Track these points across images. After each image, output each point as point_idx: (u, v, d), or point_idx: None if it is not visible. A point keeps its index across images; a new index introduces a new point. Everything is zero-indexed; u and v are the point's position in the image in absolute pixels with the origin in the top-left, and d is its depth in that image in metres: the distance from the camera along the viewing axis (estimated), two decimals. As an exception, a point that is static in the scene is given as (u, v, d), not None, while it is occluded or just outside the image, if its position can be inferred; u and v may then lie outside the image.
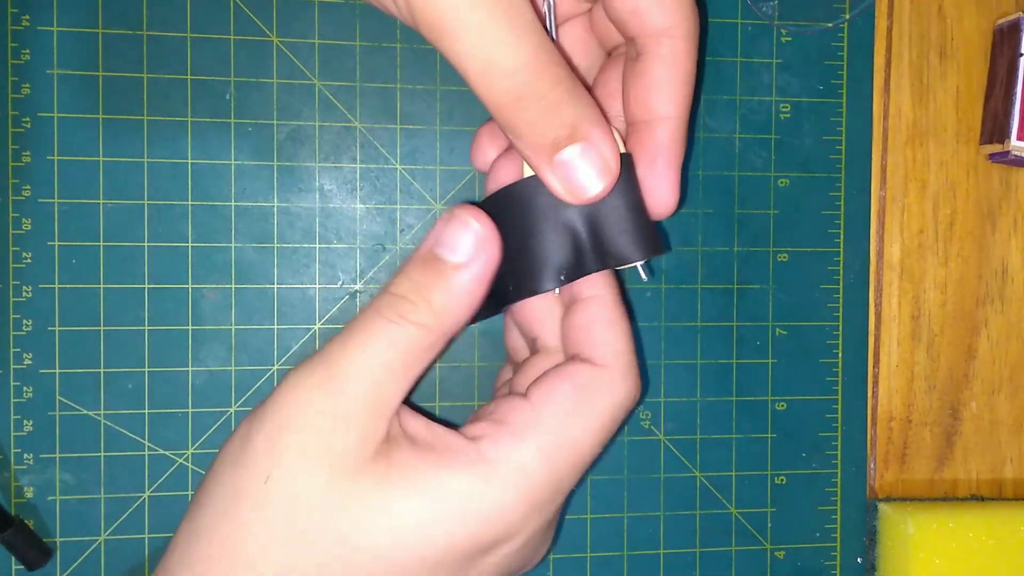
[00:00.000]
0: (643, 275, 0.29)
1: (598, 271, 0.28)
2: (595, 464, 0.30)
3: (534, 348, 0.31)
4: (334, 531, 0.25)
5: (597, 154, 0.26)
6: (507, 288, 0.28)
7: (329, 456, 0.25)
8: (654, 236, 0.29)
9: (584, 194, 0.26)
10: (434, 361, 0.28)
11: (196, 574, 0.25)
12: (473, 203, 0.28)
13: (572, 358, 0.29)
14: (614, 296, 0.29)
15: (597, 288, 0.29)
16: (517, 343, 0.33)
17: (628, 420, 0.37)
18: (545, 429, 0.27)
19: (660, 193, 0.29)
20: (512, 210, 0.28)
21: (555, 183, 0.26)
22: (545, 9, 0.29)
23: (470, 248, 0.26)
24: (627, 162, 0.28)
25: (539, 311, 0.30)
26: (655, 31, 0.27)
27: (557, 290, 0.28)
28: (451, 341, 0.28)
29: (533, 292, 0.28)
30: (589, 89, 0.31)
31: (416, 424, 0.27)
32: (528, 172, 0.28)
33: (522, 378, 0.30)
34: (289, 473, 0.25)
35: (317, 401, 0.26)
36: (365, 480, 0.25)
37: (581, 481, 0.29)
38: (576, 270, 0.28)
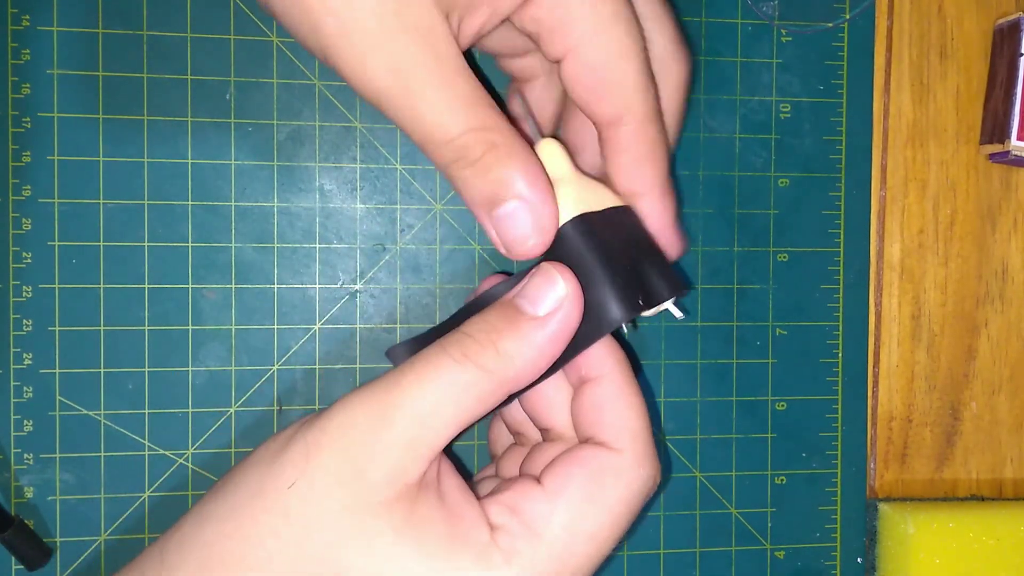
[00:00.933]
0: (677, 314, 0.29)
1: (644, 309, 0.28)
2: (613, 555, 0.30)
3: (547, 438, 0.30)
4: (336, 560, 0.25)
5: (529, 210, 0.26)
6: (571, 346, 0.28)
7: (355, 482, 0.25)
8: (676, 275, 0.29)
9: (518, 248, 0.27)
10: (486, 416, 0.27)
11: (194, 560, 0.25)
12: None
13: (586, 441, 0.28)
14: (625, 373, 0.28)
15: (606, 366, 0.28)
16: (500, 436, 0.33)
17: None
18: (559, 524, 0.26)
19: (665, 244, 0.30)
20: (560, 257, 0.28)
21: (494, 237, 0.27)
22: (526, 115, 0.31)
23: (551, 305, 0.26)
24: (626, 212, 0.29)
25: (552, 399, 0.30)
26: (608, 119, 0.28)
27: (625, 328, 0.28)
28: (510, 399, 0.27)
29: (601, 335, 0.27)
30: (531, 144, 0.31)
31: (450, 481, 0.27)
32: (564, 218, 0.28)
33: (533, 462, 0.29)
34: (311, 487, 0.25)
35: (361, 425, 0.25)
36: (382, 520, 0.25)
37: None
38: (632, 304, 0.27)
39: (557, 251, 0.27)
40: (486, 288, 0.29)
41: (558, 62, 0.27)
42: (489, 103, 0.26)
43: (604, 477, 0.27)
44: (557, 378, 0.29)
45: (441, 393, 0.25)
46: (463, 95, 0.26)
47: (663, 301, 0.28)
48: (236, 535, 0.25)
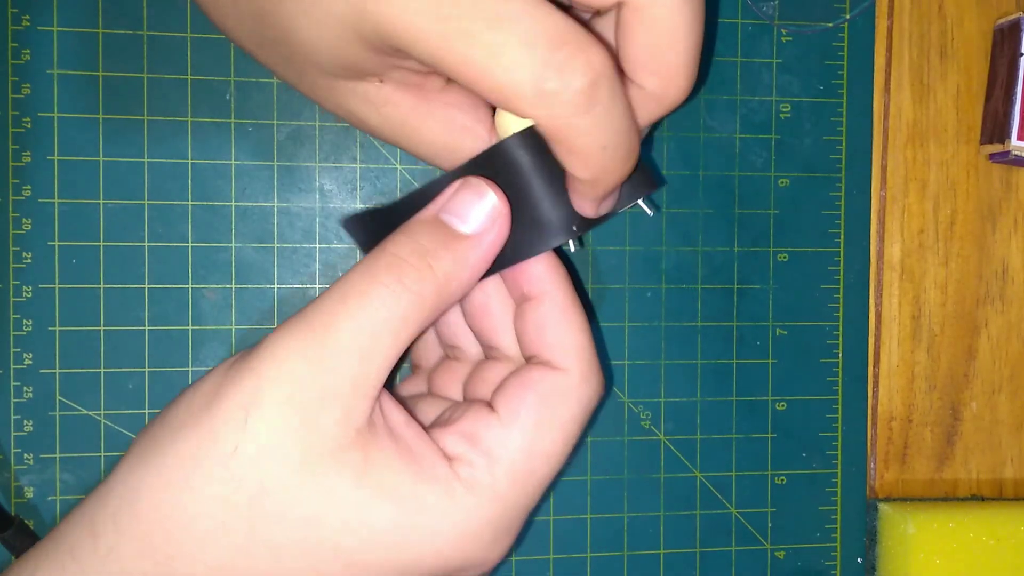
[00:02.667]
0: (648, 211, 0.28)
1: (603, 219, 0.27)
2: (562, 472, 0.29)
3: (491, 355, 0.30)
4: (297, 519, 0.23)
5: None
6: (505, 255, 0.27)
7: (303, 435, 0.23)
8: (646, 172, 0.28)
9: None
10: (415, 340, 0.26)
11: (134, 538, 0.23)
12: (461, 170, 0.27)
13: (531, 360, 0.28)
14: (566, 291, 0.27)
15: (548, 284, 0.27)
16: (427, 349, 0.32)
17: (626, 420, 0.37)
18: (517, 449, 0.26)
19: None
20: (498, 171, 0.26)
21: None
22: None
23: (482, 220, 0.25)
24: None
25: (500, 318, 0.29)
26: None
27: (572, 245, 0.27)
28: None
29: (543, 248, 0.27)
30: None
31: (397, 416, 0.26)
32: (507, 131, 0.26)
33: (481, 383, 0.29)
34: (258, 447, 0.23)
35: (299, 371, 0.24)
36: (339, 469, 0.24)
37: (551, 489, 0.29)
38: (584, 220, 0.27)
39: (499, 165, 0.26)
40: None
41: None
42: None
43: (555, 398, 0.26)
44: (505, 298, 0.28)
45: (379, 326, 0.24)
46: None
47: (633, 202, 0.27)
48: (180, 509, 0.23)
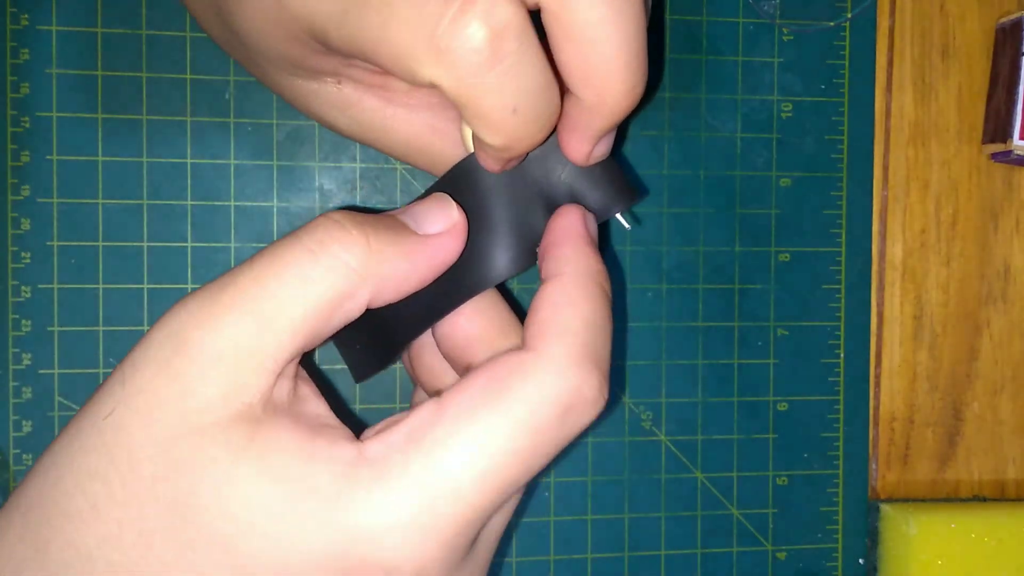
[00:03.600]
0: (625, 224, 0.26)
1: None
2: (531, 483, 0.25)
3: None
4: (170, 495, 0.21)
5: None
6: (462, 283, 0.25)
7: (181, 402, 0.21)
8: (623, 182, 0.26)
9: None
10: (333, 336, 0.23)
11: (17, 521, 0.21)
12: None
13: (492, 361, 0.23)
14: (578, 273, 0.23)
15: (561, 265, 0.24)
16: (432, 365, 0.28)
17: (627, 421, 0.37)
18: (444, 430, 0.21)
19: (578, 150, 0.25)
20: (461, 190, 0.25)
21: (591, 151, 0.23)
22: None
23: (438, 227, 0.24)
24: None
25: (468, 333, 0.25)
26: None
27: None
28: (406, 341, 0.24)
29: (505, 275, 0.24)
30: None
31: (311, 406, 0.23)
32: (471, 147, 0.25)
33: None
34: (131, 414, 0.21)
35: (186, 334, 0.21)
36: (218, 443, 0.21)
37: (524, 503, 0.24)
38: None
39: (462, 183, 0.25)
40: None
41: None
42: None
43: (507, 378, 0.21)
44: (475, 313, 0.25)
45: (288, 291, 0.21)
46: None
47: (608, 216, 0.25)
48: (58, 486, 0.21)
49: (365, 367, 0.27)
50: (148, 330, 0.22)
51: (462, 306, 0.25)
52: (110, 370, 0.34)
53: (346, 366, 0.29)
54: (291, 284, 0.21)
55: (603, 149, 0.25)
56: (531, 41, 0.21)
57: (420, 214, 0.24)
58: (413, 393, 0.30)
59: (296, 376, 0.23)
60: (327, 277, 0.21)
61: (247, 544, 0.21)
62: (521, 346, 0.23)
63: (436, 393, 0.25)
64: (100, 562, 0.21)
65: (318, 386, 0.24)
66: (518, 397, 0.21)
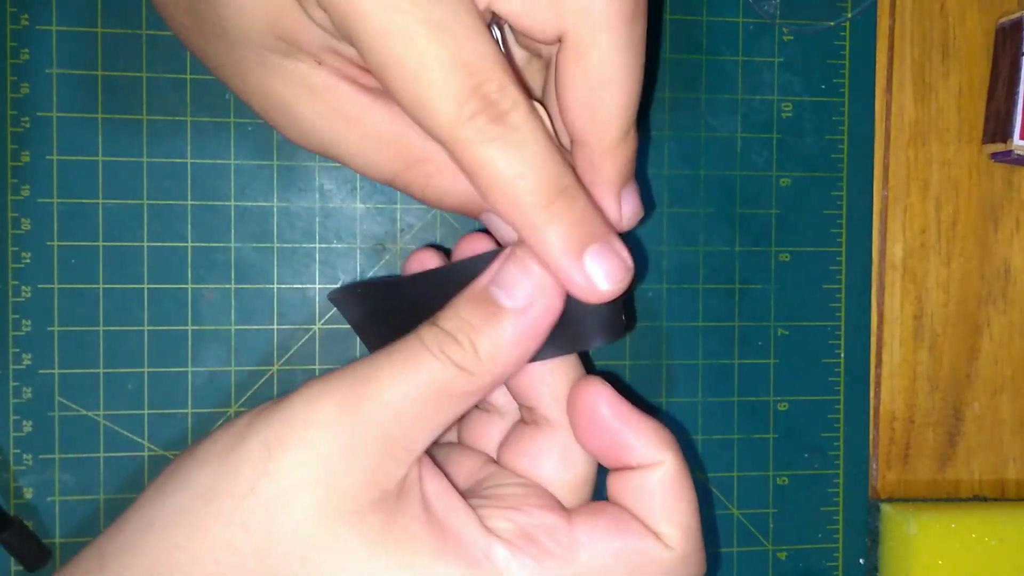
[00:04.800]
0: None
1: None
2: None
3: (530, 418, 0.27)
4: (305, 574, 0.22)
5: (618, 260, 0.23)
6: (563, 335, 0.25)
7: (324, 487, 0.22)
8: (617, 317, 0.25)
9: (608, 291, 0.24)
10: (467, 412, 0.25)
11: (139, 571, 0.22)
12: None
13: (621, 510, 0.25)
14: (680, 461, 0.25)
15: (661, 452, 0.25)
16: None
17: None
18: (572, 571, 0.23)
19: (609, 210, 0.25)
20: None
21: (579, 283, 0.23)
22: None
23: (528, 293, 0.23)
24: None
25: (537, 378, 0.26)
26: (563, 28, 0.23)
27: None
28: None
29: (602, 335, 0.25)
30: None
31: (434, 485, 0.24)
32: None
33: (520, 455, 0.26)
34: (274, 492, 0.22)
35: (331, 420, 0.22)
36: (357, 531, 0.22)
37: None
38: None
39: None
40: (466, 252, 0.27)
41: None
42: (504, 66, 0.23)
43: (644, 563, 0.24)
44: (549, 364, 0.26)
45: (421, 389, 0.23)
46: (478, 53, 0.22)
47: (592, 347, 0.25)
48: (186, 546, 0.22)
49: None
50: (289, 404, 0.23)
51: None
52: (110, 370, 0.34)
53: None
54: (422, 384, 0.23)
55: (631, 210, 0.26)
56: (535, 118, 0.23)
57: (503, 279, 0.24)
58: None
59: (420, 459, 0.24)
60: (451, 379, 0.23)
61: None
62: (634, 511, 0.24)
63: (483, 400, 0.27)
64: None
65: None
66: None
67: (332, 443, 0.22)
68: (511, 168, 0.22)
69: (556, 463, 0.26)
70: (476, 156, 0.22)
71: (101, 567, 0.23)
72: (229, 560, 0.21)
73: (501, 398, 0.28)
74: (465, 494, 0.24)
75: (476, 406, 0.28)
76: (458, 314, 0.24)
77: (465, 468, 0.27)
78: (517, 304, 0.23)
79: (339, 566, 0.22)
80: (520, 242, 0.24)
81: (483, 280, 0.24)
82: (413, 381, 0.23)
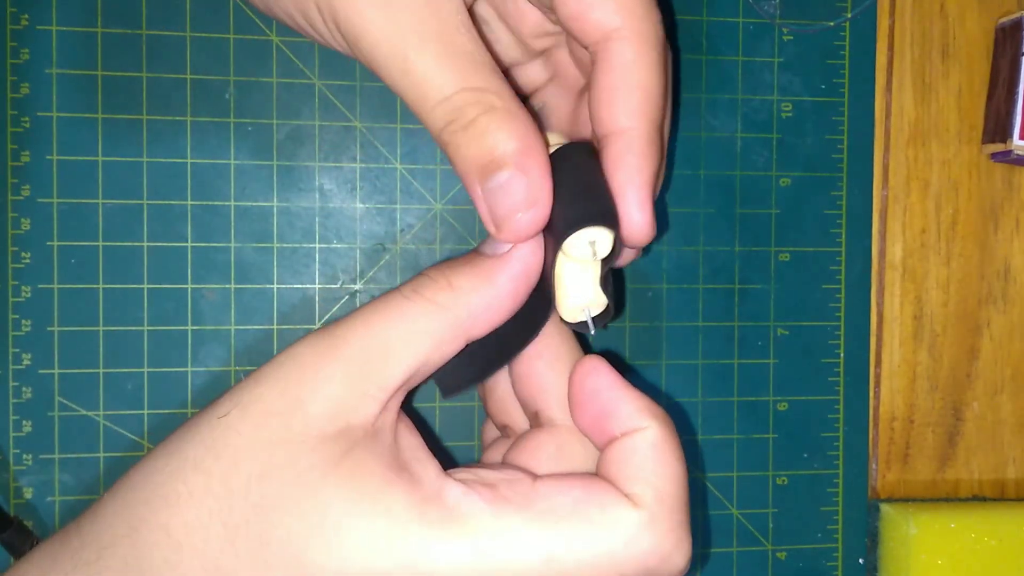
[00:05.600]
0: (591, 330, 0.26)
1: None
2: None
3: (536, 422, 0.28)
4: (260, 494, 0.22)
5: (525, 181, 0.24)
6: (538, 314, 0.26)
7: (290, 414, 0.23)
8: (609, 207, 0.26)
9: (509, 225, 0.24)
10: (439, 366, 0.25)
11: (118, 500, 0.23)
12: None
13: (595, 476, 0.25)
14: (666, 431, 0.24)
15: (645, 419, 0.24)
16: (489, 432, 0.31)
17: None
18: (523, 518, 0.23)
19: (624, 213, 0.26)
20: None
21: (484, 211, 0.25)
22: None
23: (509, 244, 0.25)
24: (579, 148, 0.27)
25: (543, 380, 0.27)
26: (601, 33, 0.25)
27: (592, 329, 0.26)
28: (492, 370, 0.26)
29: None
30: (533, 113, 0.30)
31: (407, 440, 0.25)
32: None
33: (523, 453, 0.26)
34: (243, 418, 0.23)
35: (304, 358, 0.24)
36: (315, 454, 0.23)
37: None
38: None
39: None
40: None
41: None
42: (491, 64, 0.25)
43: (602, 513, 0.23)
44: (551, 360, 0.27)
45: (390, 328, 0.24)
46: (462, 52, 0.24)
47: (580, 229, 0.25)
48: (163, 471, 0.23)
49: (454, 385, 0.27)
50: (276, 354, 0.24)
51: (543, 351, 0.27)
52: (110, 370, 0.34)
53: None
54: (392, 323, 0.24)
55: (645, 219, 0.26)
56: (517, 112, 0.25)
57: (491, 241, 0.25)
58: (484, 424, 0.32)
59: (398, 417, 0.25)
60: (420, 316, 0.24)
61: (314, 551, 0.22)
62: (610, 476, 0.24)
63: (502, 428, 0.29)
64: (185, 548, 0.22)
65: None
66: (608, 539, 0.23)
67: (301, 378, 0.23)
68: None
69: (552, 455, 0.26)
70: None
71: (81, 545, 0.23)
72: (197, 479, 0.23)
73: (520, 421, 0.29)
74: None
75: (502, 434, 0.30)
76: (442, 264, 0.25)
77: None
78: (496, 252, 0.25)
79: (293, 484, 0.22)
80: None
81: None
82: (383, 321, 0.24)
